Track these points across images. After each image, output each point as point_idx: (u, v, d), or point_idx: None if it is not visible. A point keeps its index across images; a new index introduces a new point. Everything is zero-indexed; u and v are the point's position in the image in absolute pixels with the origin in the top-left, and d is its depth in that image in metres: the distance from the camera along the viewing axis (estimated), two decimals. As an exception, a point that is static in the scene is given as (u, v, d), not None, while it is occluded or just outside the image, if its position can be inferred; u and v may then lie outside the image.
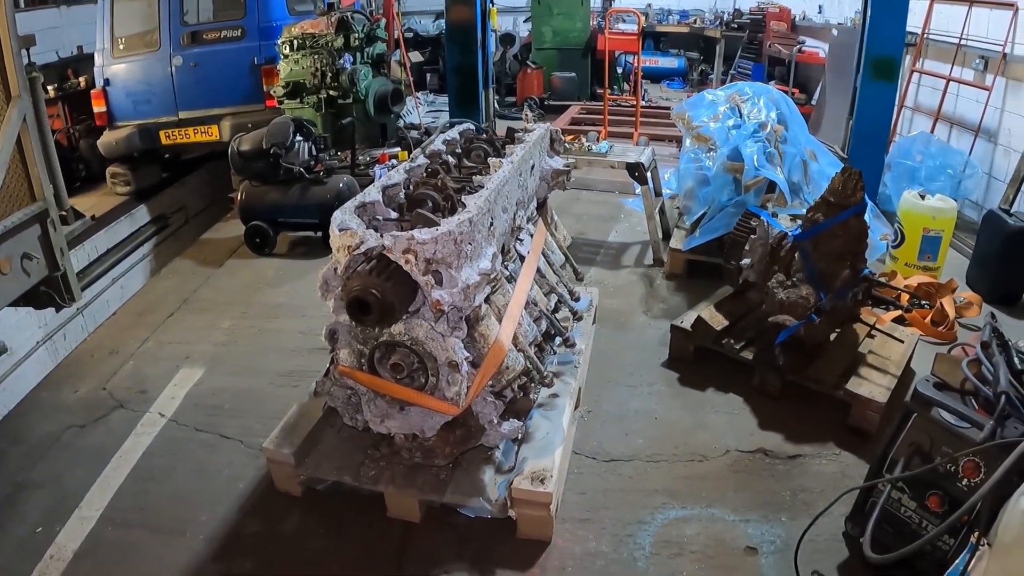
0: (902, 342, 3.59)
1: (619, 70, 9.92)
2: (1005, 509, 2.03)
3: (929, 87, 6.45)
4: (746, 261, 3.77)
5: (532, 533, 2.72)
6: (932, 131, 6.03)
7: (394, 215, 2.75)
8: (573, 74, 8.54)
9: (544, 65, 9.27)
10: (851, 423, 3.33)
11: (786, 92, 8.38)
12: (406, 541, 2.71)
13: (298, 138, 4.95)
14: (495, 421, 2.67)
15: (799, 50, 8.20)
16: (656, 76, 10.82)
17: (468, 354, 2.46)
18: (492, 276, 2.62)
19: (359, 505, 2.81)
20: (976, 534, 2.15)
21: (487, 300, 2.70)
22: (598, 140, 5.36)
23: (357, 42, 5.87)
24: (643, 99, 8.58)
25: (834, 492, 2.97)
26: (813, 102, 8.37)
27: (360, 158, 5.51)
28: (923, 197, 4.54)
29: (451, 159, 3.31)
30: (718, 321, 3.75)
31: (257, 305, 4.50)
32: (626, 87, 9.69)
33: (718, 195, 4.27)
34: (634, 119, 7.40)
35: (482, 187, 2.81)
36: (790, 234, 3.72)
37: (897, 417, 2.55)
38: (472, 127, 3.79)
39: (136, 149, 6.34)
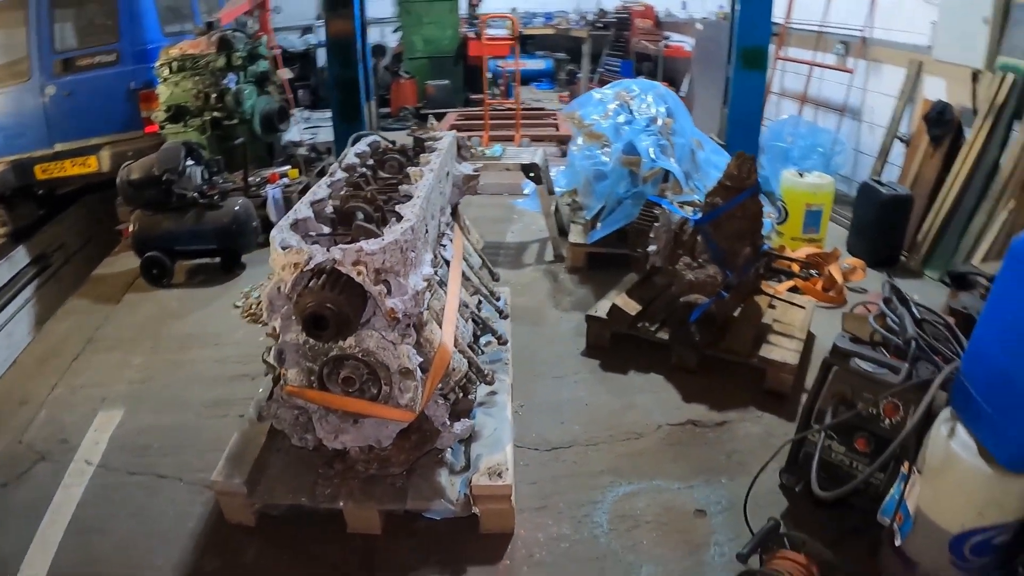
0: (803, 308, 3.94)
1: (490, 75, 10.13)
2: (928, 439, 2.32)
3: (793, 73, 7.05)
4: (652, 248, 4.00)
5: (495, 527, 2.78)
6: (799, 114, 6.61)
7: (327, 230, 2.74)
8: (447, 81, 8.64)
9: (416, 75, 9.29)
10: (767, 387, 3.63)
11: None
12: (372, 554, 2.70)
13: (189, 162, 4.75)
14: (447, 423, 2.72)
15: (665, 45, 8.70)
16: (525, 78, 11.11)
17: (419, 359, 2.50)
18: (433, 281, 2.67)
19: (318, 525, 2.78)
20: (906, 464, 2.44)
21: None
22: (481, 145, 5.49)
23: (239, 61, 5.69)
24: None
25: (763, 450, 3.27)
26: (682, 94, 8.90)
27: (250, 179, 5.35)
28: (802, 175, 4.99)
29: (367, 171, 3.32)
30: (632, 307, 3.96)
31: (166, 338, 4.29)
32: (496, 91, 9.88)
33: (615, 188, 4.49)
34: (512, 122, 7.58)
35: (410, 196, 2.85)
36: (690, 219, 4.00)
37: (819, 372, 2.81)
38: (378, 139, 3.80)
39: (10, 187, 5.90)
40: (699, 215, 3.94)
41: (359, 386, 2.50)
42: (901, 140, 5.48)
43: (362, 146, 3.64)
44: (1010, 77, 4.38)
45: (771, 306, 4.03)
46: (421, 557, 2.69)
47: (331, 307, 2.20)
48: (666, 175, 4.55)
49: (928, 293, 4.74)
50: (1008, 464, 2.13)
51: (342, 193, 3.00)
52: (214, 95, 5.47)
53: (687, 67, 8.72)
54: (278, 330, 2.42)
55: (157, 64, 5.66)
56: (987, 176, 4.48)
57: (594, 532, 2.83)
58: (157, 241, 4.74)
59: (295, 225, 2.59)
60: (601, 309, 4.03)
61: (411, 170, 3.12)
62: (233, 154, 5.32)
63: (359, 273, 2.25)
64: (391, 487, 2.78)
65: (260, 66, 5.99)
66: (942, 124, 4.84)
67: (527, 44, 11.50)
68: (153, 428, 3.46)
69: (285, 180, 5.50)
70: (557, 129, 7.61)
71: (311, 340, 2.42)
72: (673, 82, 8.98)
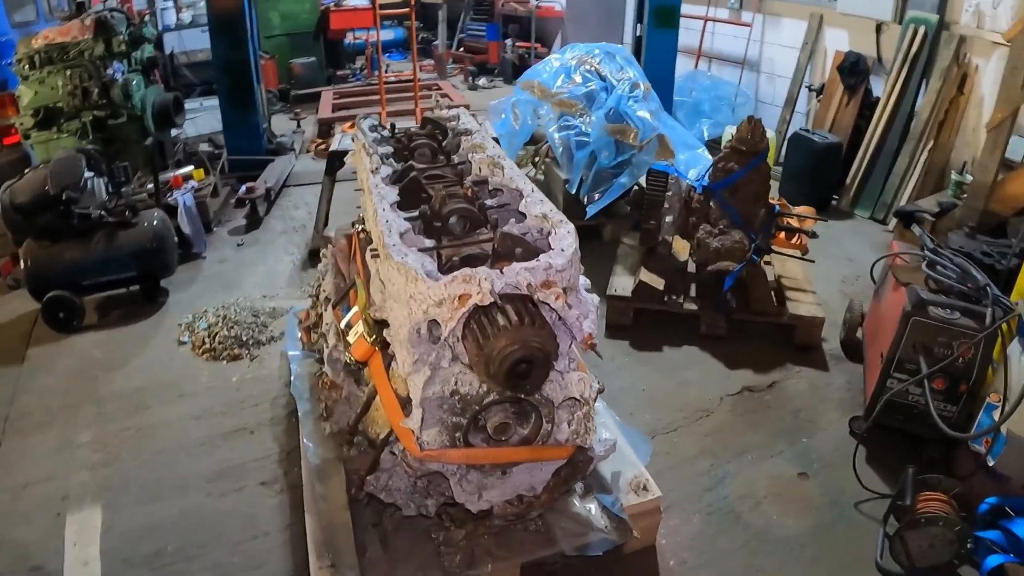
0: (812, 260, 4.12)
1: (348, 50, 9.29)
2: (1010, 370, 2.57)
3: (686, 28, 7.24)
4: (669, 218, 3.94)
5: (638, 544, 2.60)
6: (695, 68, 6.83)
7: (428, 243, 2.27)
8: (313, 59, 7.75)
9: (276, 54, 8.25)
10: (798, 341, 3.76)
11: (528, 47, 8.77)
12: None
13: (88, 174, 3.78)
14: (592, 447, 2.46)
15: (537, 6, 8.56)
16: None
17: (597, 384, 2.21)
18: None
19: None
20: (993, 395, 2.65)
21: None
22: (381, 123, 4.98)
23: (122, 47, 4.56)
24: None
25: (820, 403, 3.44)
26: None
27: (150, 186, 4.40)
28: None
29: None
30: (657, 281, 3.89)
31: (111, 400, 3.43)
32: (354, 67, 9.09)
33: (600, 159, 4.33)
34: (407, 96, 7.03)
35: (500, 191, 2.50)
36: (696, 186, 3.98)
37: (899, 324, 2.92)
38: (376, 121, 3.28)
39: None
40: (705, 181, 3.93)
41: (514, 431, 2.16)
42: (810, 89, 5.88)
43: (373, 133, 3.10)
44: (922, 29, 4.83)
45: (767, 262, 4.16)
46: (582, 598, 2.45)
47: (538, 345, 1.84)
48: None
49: (862, 231, 5.21)
50: None
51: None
52: (96, 90, 4.35)
53: (558, 27, 8.66)
54: (419, 386, 1.95)
55: (14, 59, 4.38)
56: (906, 121, 4.96)
57: (727, 520, 2.77)
58: (60, 276, 3.75)
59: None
60: (620, 287, 3.91)
61: (479, 158, 2.70)
62: (139, 157, 4.31)
63: (557, 297, 1.90)
64: (530, 533, 2.46)
65: (146, 51, 4.88)
66: (856, 74, 5.26)
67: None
68: (154, 525, 2.72)
69: (192, 183, 4.61)
70: (451, 99, 7.19)
71: (462, 391, 2.02)
72: (544, 42, 8.88)
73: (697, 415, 3.36)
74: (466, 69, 8.91)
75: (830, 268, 4.60)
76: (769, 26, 6.38)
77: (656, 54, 5.86)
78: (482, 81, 8.65)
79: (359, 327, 2.46)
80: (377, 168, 2.54)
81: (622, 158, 4.33)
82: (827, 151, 5.08)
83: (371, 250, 2.17)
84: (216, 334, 3.64)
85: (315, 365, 3.08)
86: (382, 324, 2.37)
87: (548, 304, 1.90)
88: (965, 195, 4.38)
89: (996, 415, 2.61)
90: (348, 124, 6.60)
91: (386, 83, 7.71)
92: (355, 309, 2.52)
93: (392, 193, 2.38)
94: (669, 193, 3.95)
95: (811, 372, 3.65)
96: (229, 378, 3.50)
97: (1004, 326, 2.66)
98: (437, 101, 3.33)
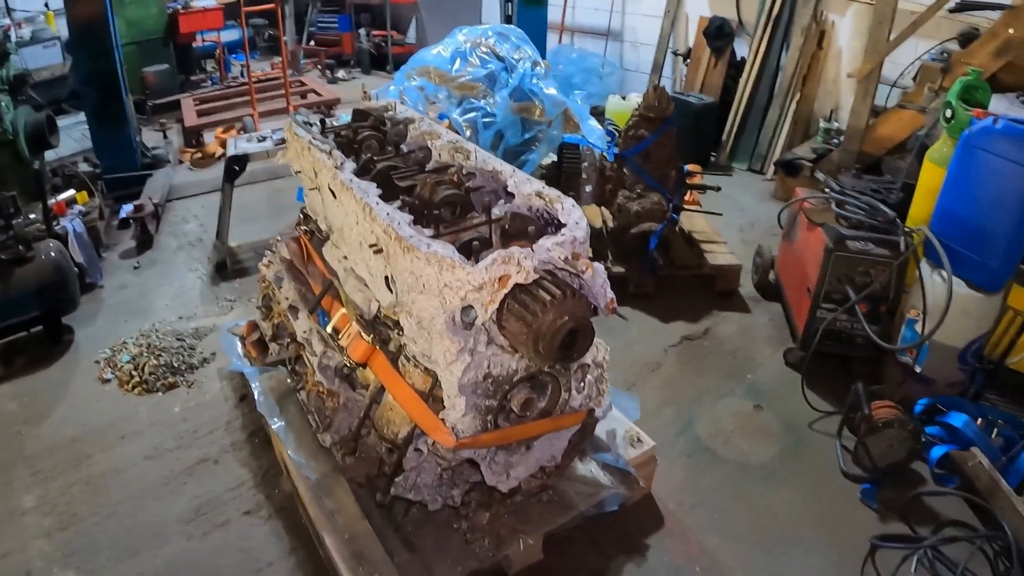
0: (720, 213, 4.44)
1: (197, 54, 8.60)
2: (925, 289, 2.97)
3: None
4: (588, 188, 4.09)
5: (640, 493, 2.75)
6: (559, 42, 7.03)
7: (428, 232, 2.25)
8: (166, 66, 7.09)
9: (125, 63, 7.43)
10: (719, 289, 4.08)
11: (385, 35, 8.60)
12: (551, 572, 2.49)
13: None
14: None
15: (394, -8, 8.41)
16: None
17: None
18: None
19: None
20: (913, 311, 3.06)
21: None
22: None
23: None
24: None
25: (752, 342, 3.76)
26: (410, 40, 8.75)
27: (33, 215, 3.88)
28: (624, 98, 5.43)
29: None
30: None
31: (44, 455, 3.04)
32: (206, 70, 8.45)
33: (507, 137, 4.41)
34: (277, 95, 6.70)
35: (473, 175, 2.50)
36: (608, 154, 4.17)
37: (822, 260, 3.26)
38: (304, 117, 3.14)
39: None
40: (615, 150, 4.12)
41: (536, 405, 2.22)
42: (676, 54, 6.26)
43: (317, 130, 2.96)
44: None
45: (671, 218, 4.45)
46: (603, 556, 2.56)
47: (582, 315, 1.90)
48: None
49: (743, 182, 5.68)
50: (989, 287, 2.90)
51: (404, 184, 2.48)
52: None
53: (412, 12, 8.55)
54: (457, 373, 1.94)
55: None
56: (772, 77, 5.45)
57: (705, 459, 3.00)
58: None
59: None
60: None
61: (439, 144, 2.67)
62: (5, 188, 3.74)
63: (587, 268, 1.97)
64: (546, 504, 2.53)
65: (12, 67, 4.22)
66: (722, 37, 5.68)
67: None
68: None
69: (78, 208, 4.13)
70: (319, 95, 6.91)
71: (495, 373, 2.05)
72: (399, 29, 8.73)
73: (648, 368, 3.57)
74: (322, 63, 8.60)
75: (726, 219, 4.99)
76: (629, -2, 6.72)
77: (527, 31, 5.97)
78: (340, 74, 8.39)
79: (351, 328, 2.39)
80: (342, 164, 2.45)
81: (529, 135, 4.44)
82: (704, 111, 5.48)
83: (372, 247, 2.11)
84: (143, 365, 3.34)
85: (274, 379, 2.94)
86: (378, 322, 2.34)
87: (577, 275, 1.96)
88: (834, 140, 4.91)
89: (917, 327, 3.01)
90: (222, 129, 6.20)
91: (265, 81, 7.32)
92: (341, 311, 2.44)
93: (373, 187, 2.32)
94: (585, 164, 4.10)
95: (736, 315, 3.98)
96: (171, 409, 3.23)
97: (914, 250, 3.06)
98: (365, 92, 3.23)
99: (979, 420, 2.86)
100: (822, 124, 5.15)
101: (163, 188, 5.02)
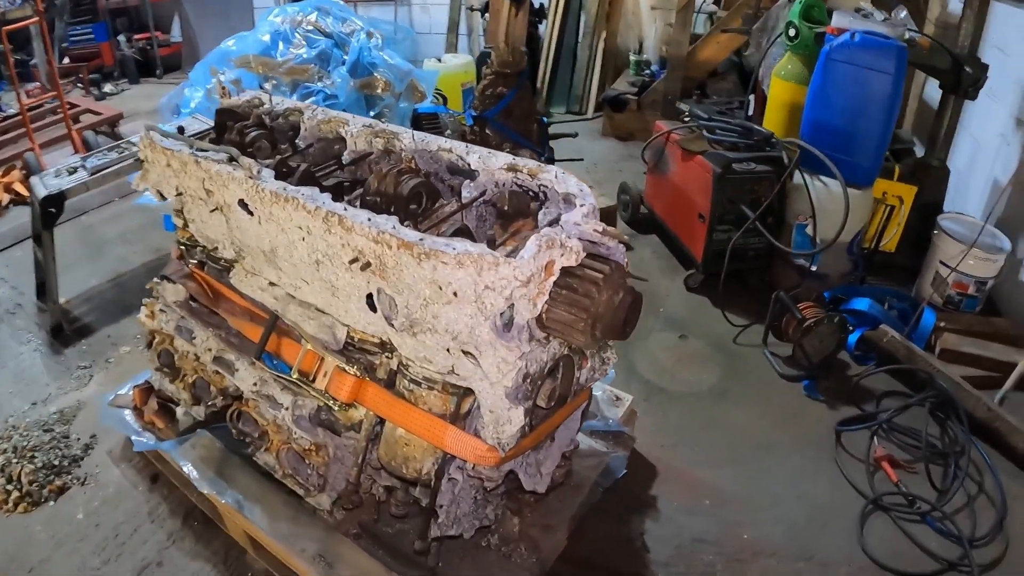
0: (581, 159, 4.45)
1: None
2: (812, 194, 3.23)
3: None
4: (456, 156, 3.85)
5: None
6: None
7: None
8: None
9: None
10: (601, 232, 4.12)
11: (149, 38, 7.38)
12: (589, 551, 2.40)
13: None
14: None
15: (147, -8, 7.14)
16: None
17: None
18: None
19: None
20: (801, 216, 3.36)
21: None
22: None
23: None
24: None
25: (646, 276, 3.88)
26: (175, 39, 7.60)
27: None
28: (440, 60, 5.18)
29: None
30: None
31: None
32: None
33: (352, 117, 3.99)
34: (53, 124, 5.39)
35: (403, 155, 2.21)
36: (465, 117, 3.96)
37: (712, 186, 3.41)
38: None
39: None
40: (472, 112, 3.93)
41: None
42: (472, 10, 6.08)
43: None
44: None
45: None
46: (618, 521, 2.51)
47: (633, 285, 1.78)
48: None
49: (567, 126, 5.76)
50: (863, 183, 3.26)
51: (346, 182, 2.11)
52: None
53: (175, 8, 7.43)
54: (508, 384, 1.70)
55: None
56: (576, 18, 5.52)
57: (663, 398, 3.05)
58: None
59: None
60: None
61: (355, 131, 2.30)
62: None
63: (613, 237, 1.82)
64: (558, 491, 2.38)
65: None
66: (518, -15, 5.59)
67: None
68: None
69: None
70: (98, 113, 5.67)
71: (531, 371, 1.84)
72: (162, 29, 7.51)
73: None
74: (84, 79, 7.19)
75: (567, 164, 5.05)
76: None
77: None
78: (108, 88, 7.10)
79: (324, 365, 2.01)
80: (259, 171, 2.00)
81: (374, 112, 4.07)
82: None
83: (360, 264, 1.75)
84: (17, 475, 2.54)
85: (201, 447, 2.42)
86: (353, 349, 1.99)
87: (605, 245, 1.81)
88: (646, 71, 5.14)
89: (808, 231, 3.29)
90: (2, 173, 4.88)
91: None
92: (305, 349, 2.03)
93: (318, 192, 1.93)
94: (448, 132, 3.87)
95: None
96: (73, 517, 2.51)
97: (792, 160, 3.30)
98: (223, 89, 2.65)
99: (875, 301, 3.23)
100: (632, 57, 5.37)
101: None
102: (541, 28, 6.02)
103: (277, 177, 2.05)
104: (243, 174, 2.01)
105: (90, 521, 2.45)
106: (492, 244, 1.90)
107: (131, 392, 2.55)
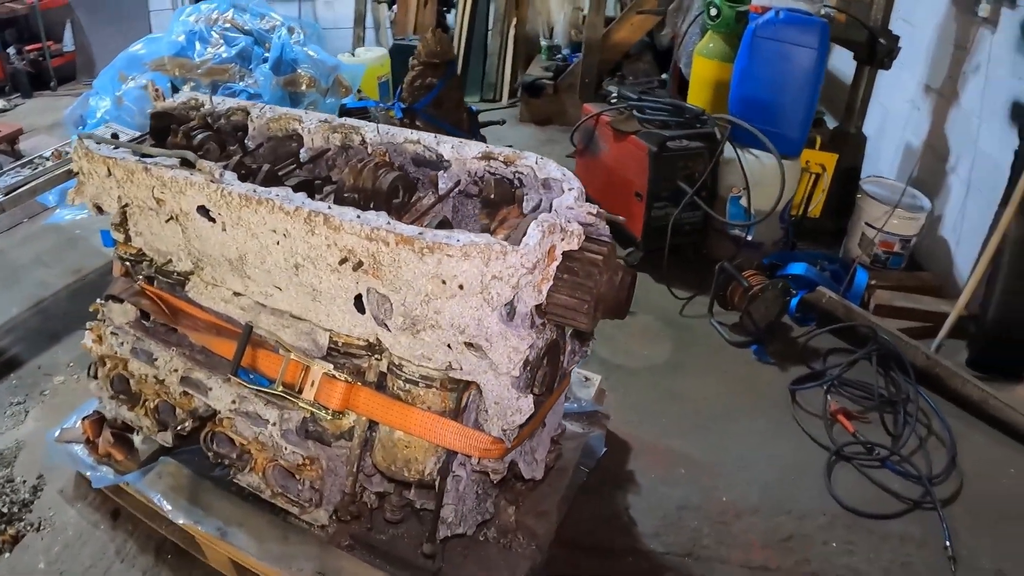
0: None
1: None
2: (745, 167, 3.38)
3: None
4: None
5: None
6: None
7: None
8: None
9: None
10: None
11: (41, 48, 6.71)
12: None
13: None
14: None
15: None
16: None
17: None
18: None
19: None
20: (734, 188, 3.51)
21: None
22: None
23: None
24: None
25: None
26: (68, 48, 6.93)
27: None
28: (354, 54, 5.02)
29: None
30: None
31: None
32: None
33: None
34: None
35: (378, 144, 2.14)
36: (394, 110, 3.87)
37: (648, 165, 3.49)
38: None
39: None
40: (401, 105, 3.84)
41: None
42: (379, 2, 5.91)
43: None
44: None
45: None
46: (602, 499, 2.55)
47: (626, 265, 1.82)
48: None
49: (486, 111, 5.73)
50: (792, 153, 3.45)
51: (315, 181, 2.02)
52: None
53: (66, 15, 6.76)
54: (516, 373, 1.69)
55: None
56: (486, 6, 5.48)
57: (622, 375, 3.11)
58: None
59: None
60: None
61: (311, 127, 2.21)
62: None
63: (603, 219, 1.85)
64: (545, 476, 2.41)
65: None
66: (426, -25, 5.51)
67: None
68: None
69: None
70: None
71: (531, 359, 1.83)
72: (54, 37, 6.81)
73: (520, 312, 3.54)
74: None
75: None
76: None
77: None
78: (1, 104, 6.43)
79: (311, 374, 1.92)
80: (221, 174, 1.88)
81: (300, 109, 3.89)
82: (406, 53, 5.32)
83: (352, 264, 1.68)
84: None
85: (168, 475, 2.26)
86: (338, 354, 1.92)
87: (595, 226, 1.83)
88: (558, 56, 5.19)
89: (743, 202, 3.44)
90: None
91: None
92: (288, 358, 1.92)
93: (291, 191, 1.83)
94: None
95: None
96: (35, 567, 2.26)
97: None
98: (157, 91, 2.44)
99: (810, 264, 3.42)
100: (543, 43, 5.41)
101: None
102: (450, 17, 5.97)
103: (243, 179, 1.94)
104: (203, 178, 1.88)
105: (54, 570, 2.23)
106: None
107: (79, 424, 2.34)
